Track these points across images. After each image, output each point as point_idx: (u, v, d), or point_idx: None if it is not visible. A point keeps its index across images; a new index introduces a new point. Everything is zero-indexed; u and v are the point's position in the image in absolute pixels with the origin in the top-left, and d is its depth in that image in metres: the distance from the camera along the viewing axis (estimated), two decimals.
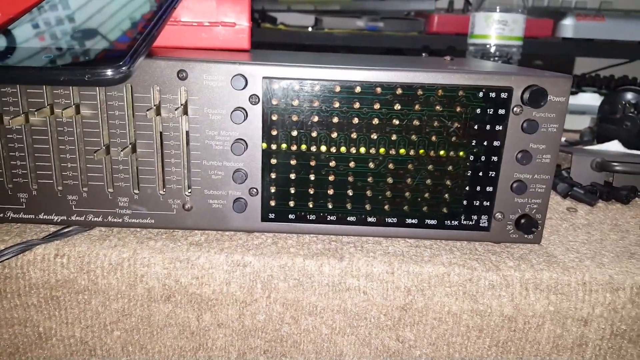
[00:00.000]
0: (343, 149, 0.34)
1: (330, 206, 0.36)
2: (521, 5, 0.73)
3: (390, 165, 0.35)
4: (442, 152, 0.34)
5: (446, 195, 0.35)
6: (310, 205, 0.35)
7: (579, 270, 0.33)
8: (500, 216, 0.36)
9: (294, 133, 0.34)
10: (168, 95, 0.33)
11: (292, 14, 1.17)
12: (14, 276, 0.33)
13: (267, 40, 1.07)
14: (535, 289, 0.33)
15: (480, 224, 0.36)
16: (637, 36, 1.03)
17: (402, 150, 0.34)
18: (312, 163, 0.35)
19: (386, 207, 0.36)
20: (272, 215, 0.36)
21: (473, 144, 0.34)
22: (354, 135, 0.34)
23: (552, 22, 1.03)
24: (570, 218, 0.44)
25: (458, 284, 0.33)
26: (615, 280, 0.33)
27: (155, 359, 0.35)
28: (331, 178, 0.35)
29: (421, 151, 0.34)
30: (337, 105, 0.33)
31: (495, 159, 0.34)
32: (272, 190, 0.35)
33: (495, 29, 0.73)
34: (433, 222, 0.36)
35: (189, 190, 0.35)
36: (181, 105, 0.33)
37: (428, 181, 0.35)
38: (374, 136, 0.34)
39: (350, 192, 0.35)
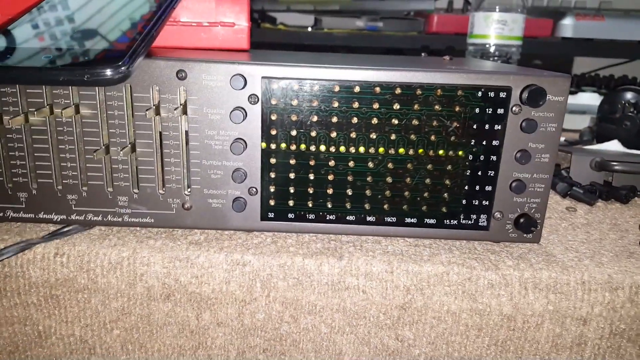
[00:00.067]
0: (342, 149, 0.34)
1: (329, 205, 0.36)
2: (520, 5, 0.73)
3: (390, 165, 0.35)
4: (441, 152, 0.34)
5: (445, 194, 0.35)
6: (310, 205, 0.36)
7: (578, 269, 0.33)
8: (499, 215, 0.36)
9: (293, 133, 0.34)
10: (167, 95, 0.33)
11: (292, 14, 1.17)
12: (13, 275, 0.33)
13: (267, 40, 1.07)
14: (534, 288, 0.33)
15: (480, 223, 0.36)
16: (636, 36, 1.03)
17: (401, 150, 0.34)
18: (312, 162, 0.35)
19: (385, 206, 0.36)
20: (271, 215, 0.36)
21: (472, 143, 0.34)
22: (353, 135, 0.34)
23: (551, 21, 1.03)
24: (570, 217, 0.44)
25: (457, 283, 0.33)
26: (614, 280, 0.33)
27: (154, 357, 0.35)
28: (330, 177, 0.35)
29: (420, 151, 0.34)
30: (336, 104, 0.33)
31: (494, 158, 0.35)
32: (272, 189, 0.35)
33: (494, 28, 0.73)
34: (432, 221, 0.36)
35: (189, 190, 0.35)
36: (180, 105, 0.33)
37: (427, 180, 0.35)
38: (373, 136, 0.34)
39: (349, 192, 0.35)
